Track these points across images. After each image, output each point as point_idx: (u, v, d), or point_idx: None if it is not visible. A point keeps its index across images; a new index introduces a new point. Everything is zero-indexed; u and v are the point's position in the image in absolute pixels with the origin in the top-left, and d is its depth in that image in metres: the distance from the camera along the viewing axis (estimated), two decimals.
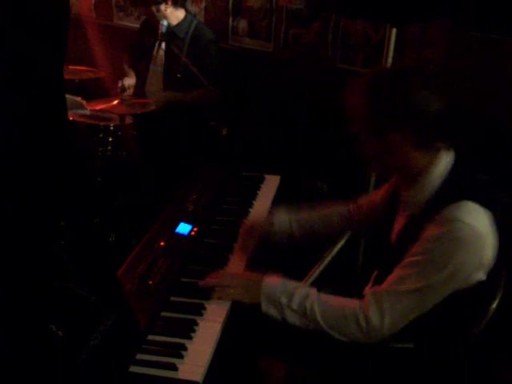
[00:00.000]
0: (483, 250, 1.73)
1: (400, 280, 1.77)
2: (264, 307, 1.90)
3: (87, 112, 3.32)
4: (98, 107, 3.09)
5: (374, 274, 2.12)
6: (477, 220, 1.71)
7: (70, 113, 3.31)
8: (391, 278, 1.80)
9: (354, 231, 2.51)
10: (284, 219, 2.36)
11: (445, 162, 1.83)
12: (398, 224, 1.98)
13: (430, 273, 1.73)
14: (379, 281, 1.98)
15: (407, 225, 1.91)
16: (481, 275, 1.78)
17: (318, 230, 2.36)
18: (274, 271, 2.01)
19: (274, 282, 1.94)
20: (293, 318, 1.87)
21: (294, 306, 1.86)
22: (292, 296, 1.87)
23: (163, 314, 1.91)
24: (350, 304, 1.83)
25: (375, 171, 1.95)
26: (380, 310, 1.76)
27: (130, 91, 3.88)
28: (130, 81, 3.98)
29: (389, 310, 1.75)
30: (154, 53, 3.96)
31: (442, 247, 1.71)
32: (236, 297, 1.96)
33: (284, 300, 1.87)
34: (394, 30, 2.97)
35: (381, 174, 2.06)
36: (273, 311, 1.90)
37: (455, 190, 1.78)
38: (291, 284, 1.93)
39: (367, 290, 2.10)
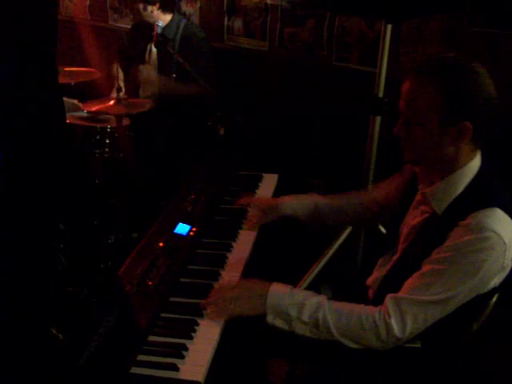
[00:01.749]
0: (505, 258, 1.70)
1: (424, 288, 1.72)
2: (270, 319, 1.83)
3: (84, 114, 3.31)
4: (94, 108, 3.09)
5: (379, 263, 2.09)
6: (504, 229, 1.68)
7: (66, 115, 3.31)
8: (413, 283, 1.75)
9: (368, 222, 2.43)
10: (292, 203, 2.37)
11: (477, 161, 1.80)
12: (413, 217, 1.94)
13: (456, 283, 1.69)
14: (390, 274, 1.95)
15: (427, 222, 1.86)
16: (497, 280, 1.76)
17: (329, 219, 2.35)
18: (272, 270, 1.99)
19: (280, 293, 1.86)
20: (302, 330, 1.81)
21: (305, 318, 1.79)
22: (302, 307, 1.80)
23: (163, 314, 1.91)
24: (366, 311, 1.77)
25: (409, 160, 1.87)
26: (402, 318, 1.71)
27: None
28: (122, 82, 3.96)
29: (411, 319, 1.71)
30: (147, 57, 3.94)
31: (470, 257, 1.67)
32: (238, 311, 1.87)
33: (293, 312, 1.80)
34: (390, 27, 2.96)
35: (414, 164, 1.97)
36: (280, 323, 1.83)
37: (483, 193, 1.75)
38: (299, 294, 1.86)
39: (370, 280, 2.08)
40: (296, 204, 2.36)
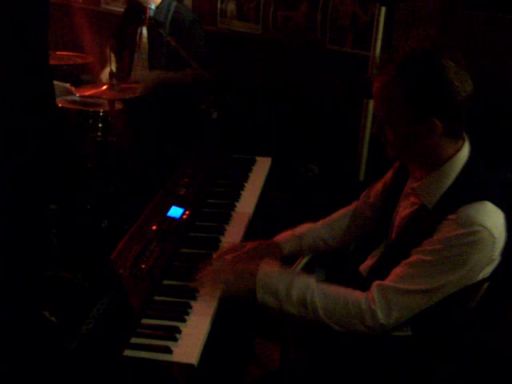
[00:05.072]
0: (494, 251, 1.70)
1: (410, 278, 1.72)
2: (260, 297, 1.84)
3: (76, 98, 3.30)
4: (87, 93, 3.07)
5: (373, 252, 2.09)
6: (493, 223, 1.67)
7: (59, 99, 3.29)
8: (400, 272, 1.75)
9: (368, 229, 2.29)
10: (291, 241, 2.25)
11: (464, 153, 1.78)
12: (403, 208, 1.93)
13: (442, 275, 1.70)
14: (379, 263, 1.96)
15: (416, 214, 1.85)
16: (486, 272, 1.76)
17: (328, 240, 2.26)
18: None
19: (270, 271, 1.87)
20: (291, 309, 1.81)
21: (293, 298, 1.80)
22: (291, 287, 1.81)
23: (157, 297, 1.91)
24: (353, 297, 1.77)
25: (392, 156, 1.86)
26: (387, 306, 1.72)
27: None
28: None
29: (396, 307, 1.72)
30: (137, 40, 3.90)
31: (458, 249, 1.67)
32: (230, 289, 1.90)
33: (282, 292, 1.81)
34: (383, 9, 2.95)
35: (398, 160, 1.97)
36: (269, 301, 1.83)
37: (473, 186, 1.74)
38: (289, 274, 1.88)
39: (363, 267, 2.09)
40: (296, 241, 2.26)
